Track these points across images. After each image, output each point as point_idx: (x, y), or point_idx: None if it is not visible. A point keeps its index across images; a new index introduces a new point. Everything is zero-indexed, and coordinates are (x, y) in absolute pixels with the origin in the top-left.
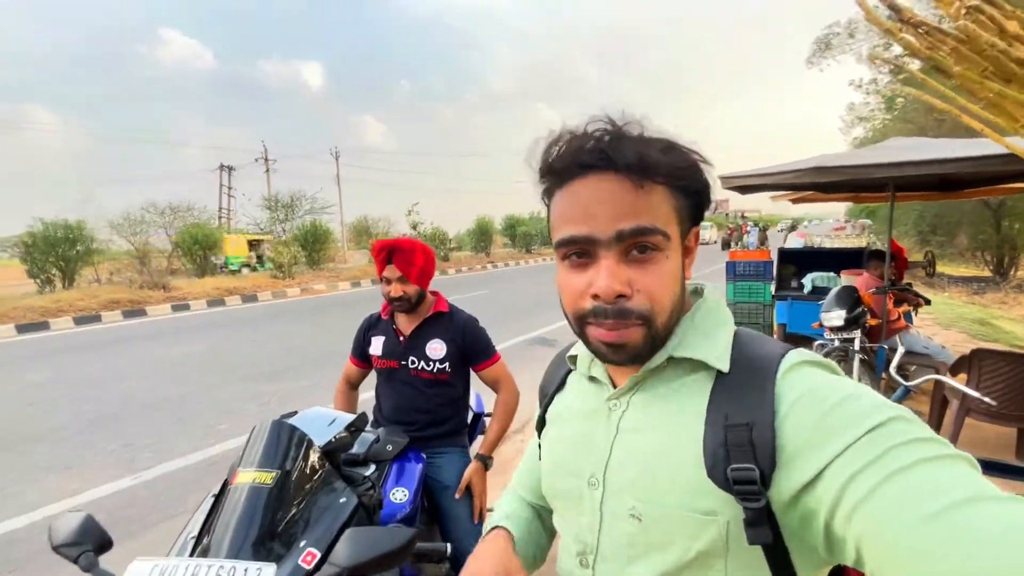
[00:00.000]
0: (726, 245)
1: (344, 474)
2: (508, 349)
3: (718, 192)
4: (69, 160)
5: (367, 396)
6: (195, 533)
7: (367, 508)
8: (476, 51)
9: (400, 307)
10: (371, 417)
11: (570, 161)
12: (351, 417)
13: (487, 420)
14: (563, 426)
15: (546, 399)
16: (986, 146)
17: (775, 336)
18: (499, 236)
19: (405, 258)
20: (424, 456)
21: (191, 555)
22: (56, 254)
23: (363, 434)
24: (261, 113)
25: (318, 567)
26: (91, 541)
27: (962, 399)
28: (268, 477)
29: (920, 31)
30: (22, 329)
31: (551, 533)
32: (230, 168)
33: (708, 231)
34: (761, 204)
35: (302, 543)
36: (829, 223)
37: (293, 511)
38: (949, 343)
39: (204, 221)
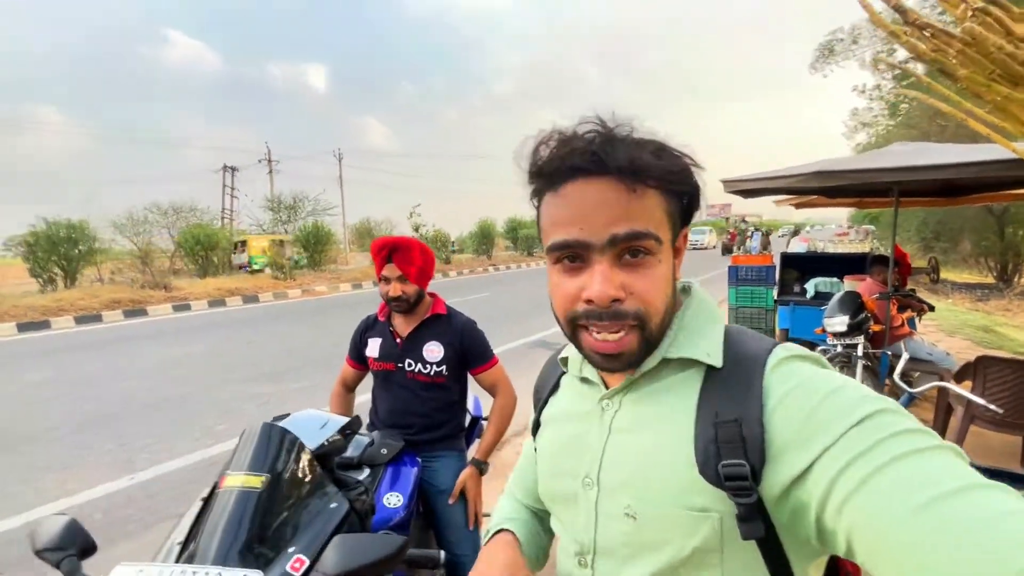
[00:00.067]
0: (726, 250)
1: (337, 478)
2: (508, 352)
3: (720, 196)
4: (71, 160)
5: (364, 399)
6: (181, 539)
7: (359, 513)
8: (477, 52)
9: (398, 307)
10: (367, 420)
11: (560, 164)
12: (344, 420)
13: (485, 424)
14: (557, 428)
15: (541, 402)
16: (991, 151)
17: None
18: (501, 239)
19: (405, 257)
20: (419, 460)
21: (176, 561)
22: (59, 253)
23: (357, 437)
24: (263, 114)
25: (307, 574)
26: (74, 546)
27: (967, 406)
28: (257, 481)
29: (925, 33)
30: (23, 328)
31: (550, 533)
32: (233, 169)
33: (706, 236)
34: (763, 209)
35: (291, 549)
36: (831, 228)
37: (282, 516)
38: (953, 350)
39: (207, 222)
